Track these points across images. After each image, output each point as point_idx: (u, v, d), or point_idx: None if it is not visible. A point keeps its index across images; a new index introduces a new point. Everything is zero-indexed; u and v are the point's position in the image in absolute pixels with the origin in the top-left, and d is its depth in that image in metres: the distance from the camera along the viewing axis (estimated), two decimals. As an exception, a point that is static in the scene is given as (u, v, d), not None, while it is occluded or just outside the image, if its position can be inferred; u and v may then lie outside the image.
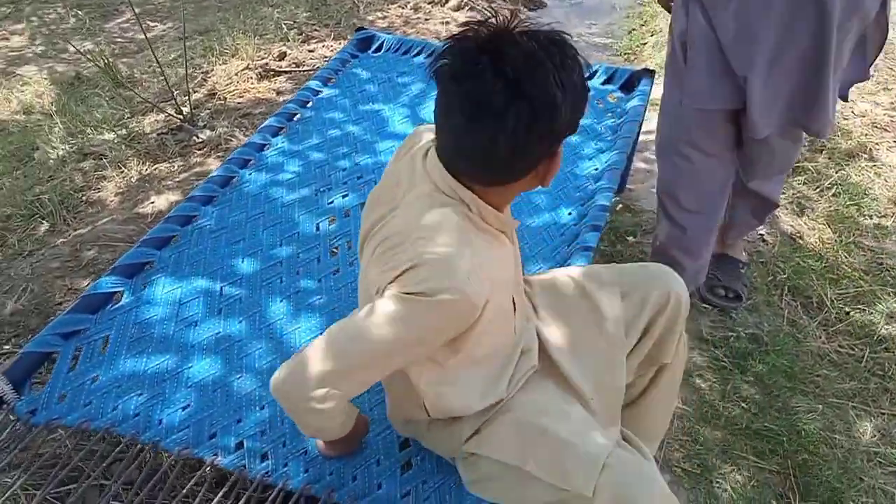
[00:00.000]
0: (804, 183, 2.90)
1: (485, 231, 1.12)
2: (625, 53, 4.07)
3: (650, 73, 2.60)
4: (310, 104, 2.45)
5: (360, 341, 1.08)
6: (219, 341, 1.65)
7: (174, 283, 1.79)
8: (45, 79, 4.05)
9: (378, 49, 2.73)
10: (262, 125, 2.34)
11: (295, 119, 2.40)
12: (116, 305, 1.74)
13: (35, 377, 1.59)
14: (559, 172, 2.06)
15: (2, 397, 1.48)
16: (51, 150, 3.22)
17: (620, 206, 2.75)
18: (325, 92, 2.48)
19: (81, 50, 4.43)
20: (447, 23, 4.15)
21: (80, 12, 4.97)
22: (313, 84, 2.46)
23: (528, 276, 1.49)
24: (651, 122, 2.52)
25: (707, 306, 2.33)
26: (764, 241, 2.62)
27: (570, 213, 2.01)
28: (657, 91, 2.40)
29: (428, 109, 2.45)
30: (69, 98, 3.79)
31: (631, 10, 4.58)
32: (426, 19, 4.19)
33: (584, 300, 1.39)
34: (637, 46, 4.09)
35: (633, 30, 4.30)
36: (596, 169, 2.17)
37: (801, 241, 2.62)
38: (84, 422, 1.47)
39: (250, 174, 2.15)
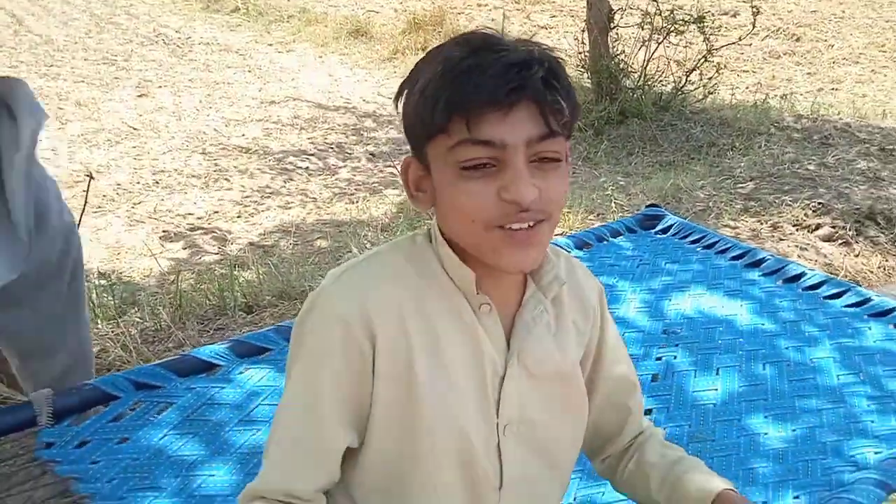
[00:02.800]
0: None
1: (433, 278, 0.88)
2: None
3: None
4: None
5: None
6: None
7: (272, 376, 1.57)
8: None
9: (664, 231, 2.31)
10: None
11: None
12: (209, 377, 1.57)
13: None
14: (804, 437, 1.46)
15: (36, 417, 1.39)
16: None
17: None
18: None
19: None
20: (804, 248, 3.47)
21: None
22: (563, 241, 2.14)
23: None
24: None
25: None
26: None
27: (796, 497, 1.31)
28: None
29: (676, 306, 1.93)
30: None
31: None
32: (780, 239, 3.58)
33: None
34: None
35: None
36: (875, 453, 1.41)
37: None
38: (71, 477, 1.29)
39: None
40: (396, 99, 0.85)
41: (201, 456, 1.40)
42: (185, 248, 3.61)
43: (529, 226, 0.80)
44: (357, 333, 0.83)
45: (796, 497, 1.32)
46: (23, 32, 8.52)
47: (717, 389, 1.64)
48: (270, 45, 8.42)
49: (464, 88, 0.76)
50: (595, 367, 1.01)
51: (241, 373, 1.60)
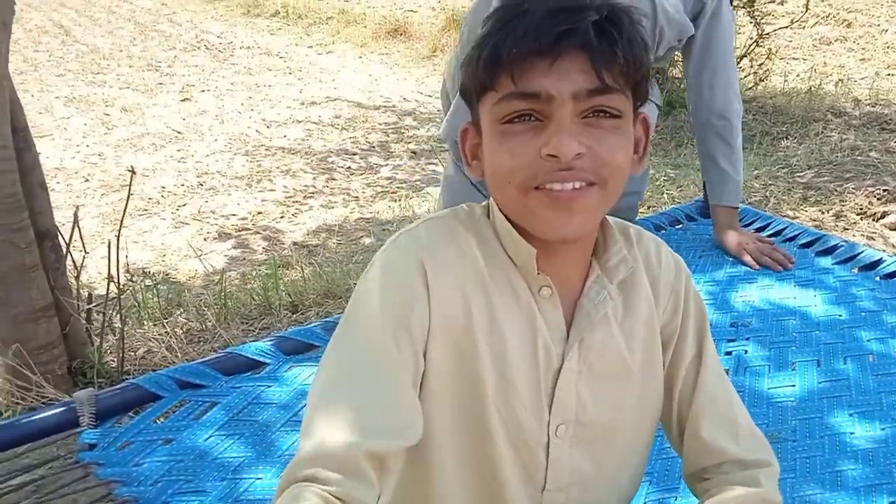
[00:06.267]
0: None
1: (491, 254, 0.79)
2: None
3: None
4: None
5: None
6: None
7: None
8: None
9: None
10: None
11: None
12: (254, 375, 1.51)
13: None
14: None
15: (78, 417, 1.34)
16: None
17: None
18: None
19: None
20: (871, 237, 3.30)
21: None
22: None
23: None
24: None
25: None
26: None
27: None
28: None
29: (744, 297, 1.81)
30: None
31: None
32: (845, 228, 3.41)
33: None
34: None
35: None
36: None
37: None
38: (113, 481, 1.23)
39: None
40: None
41: (248, 458, 1.33)
42: (229, 249, 3.59)
43: (574, 188, 0.71)
44: (416, 288, 0.74)
45: (893, 503, 1.20)
46: (70, 42, 8.70)
47: (794, 385, 1.51)
48: (310, 46, 8.44)
49: (509, 36, 0.69)
50: (674, 363, 0.88)
51: (287, 370, 1.53)
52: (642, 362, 0.84)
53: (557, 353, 0.79)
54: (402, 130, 5.56)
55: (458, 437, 0.78)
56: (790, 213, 3.62)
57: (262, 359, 1.53)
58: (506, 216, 0.78)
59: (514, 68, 0.69)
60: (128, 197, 1.94)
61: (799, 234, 2.03)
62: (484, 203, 0.83)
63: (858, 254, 1.94)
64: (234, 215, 4.03)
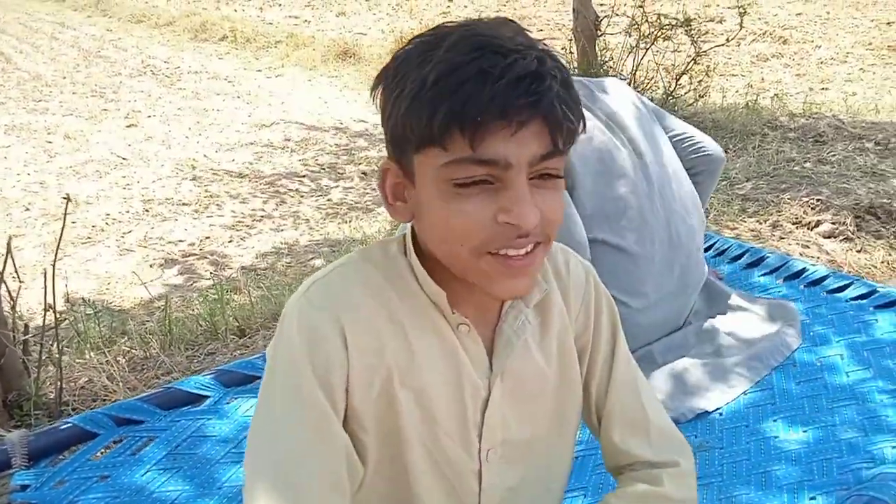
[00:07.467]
0: None
1: (408, 293, 0.80)
2: None
3: None
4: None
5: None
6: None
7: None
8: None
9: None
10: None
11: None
12: (194, 408, 1.51)
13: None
14: (818, 437, 1.40)
15: (10, 459, 1.32)
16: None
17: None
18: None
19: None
20: (806, 246, 3.41)
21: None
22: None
23: None
24: None
25: None
26: None
27: (812, 499, 1.25)
28: None
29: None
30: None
31: None
32: (781, 237, 3.52)
33: None
34: None
35: None
36: (893, 447, 1.36)
37: None
38: (47, 520, 1.22)
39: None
40: (373, 92, 0.77)
41: (186, 491, 1.33)
42: (176, 276, 3.55)
43: (527, 251, 0.72)
44: (334, 347, 0.75)
45: (812, 498, 1.27)
46: (10, 70, 8.53)
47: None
48: (259, 70, 8.42)
49: (470, 100, 0.67)
50: (591, 365, 0.92)
51: (228, 402, 1.53)
52: (558, 371, 0.88)
53: (483, 384, 0.82)
54: (353, 152, 5.57)
55: (383, 480, 0.80)
56: (730, 223, 3.74)
57: (201, 392, 1.52)
58: (422, 255, 0.79)
59: (475, 135, 0.67)
60: (63, 225, 1.92)
61: (728, 247, 2.11)
62: (399, 238, 0.84)
63: (784, 264, 2.02)
64: (181, 241, 3.98)
